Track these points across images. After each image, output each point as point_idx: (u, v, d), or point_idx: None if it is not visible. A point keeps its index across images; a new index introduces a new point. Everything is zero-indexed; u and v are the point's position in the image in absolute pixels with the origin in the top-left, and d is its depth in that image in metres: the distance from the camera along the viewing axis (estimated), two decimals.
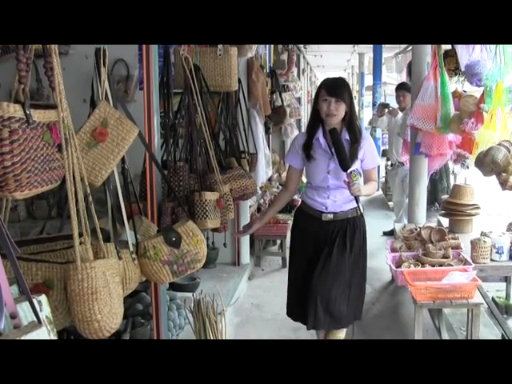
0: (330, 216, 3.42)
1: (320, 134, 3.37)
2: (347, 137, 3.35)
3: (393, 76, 13.53)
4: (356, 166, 3.31)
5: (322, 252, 3.40)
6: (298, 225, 3.63)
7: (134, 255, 2.47)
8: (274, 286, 5.61)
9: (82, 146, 2.28)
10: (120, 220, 2.49)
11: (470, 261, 4.01)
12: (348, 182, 3.15)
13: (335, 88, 3.30)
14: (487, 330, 4.34)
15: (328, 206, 3.42)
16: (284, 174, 7.39)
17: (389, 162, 8.14)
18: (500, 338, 4.25)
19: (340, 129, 3.34)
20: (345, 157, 3.20)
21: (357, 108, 19.80)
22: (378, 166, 3.62)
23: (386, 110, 7.57)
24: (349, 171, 3.15)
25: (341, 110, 3.27)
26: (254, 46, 4.98)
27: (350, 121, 3.35)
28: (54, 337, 1.52)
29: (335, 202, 3.41)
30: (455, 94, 5.16)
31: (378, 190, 3.45)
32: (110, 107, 2.38)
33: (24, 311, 1.48)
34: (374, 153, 3.47)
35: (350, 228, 3.44)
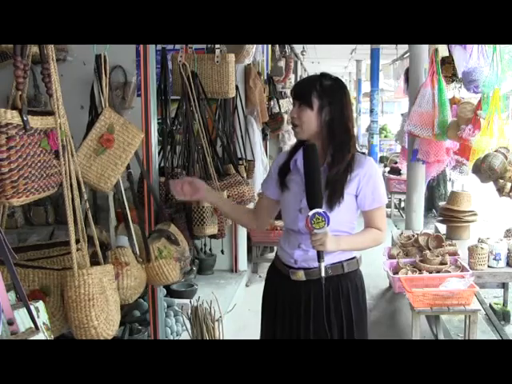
0: (300, 274, 2.38)
1: (300, 154, 2.30)
2: (330, 159, 2.32)
3: (390, 83, 13.57)
4: (342, 207, 2.29)
5: (296, 332, 2.42)
6: (267, 284, 2.63)
7: (139, 259, 2.49)
8: None
9: (90, 154, 2.30)
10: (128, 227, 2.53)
11: (468, 267, 4.02)
12: (309, 228, 2.16)
13: (299, 88, 2.39)
14: (485, 337, 4.33)
15: (297, 259, 2.39)
16: None
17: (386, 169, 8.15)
18: None
19: (324, 147, 2.33)
20: (314, 188, 2.18)
21: (354, 115, 19.62)
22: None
23: None
24: (311, 213, 2.14)
25: (306, 119, 2.28)
26: (252, 52, 4.98)
27: (331, 134, 2.30)
28: None
29: (307, 252, 2.35)
30: (453, 101, 5.18)
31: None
32: (115, 113, 2.38)
33: (21, 317, 1.48)
34: (377, 187, 2.35)
35: (335, 294, 2.37)
